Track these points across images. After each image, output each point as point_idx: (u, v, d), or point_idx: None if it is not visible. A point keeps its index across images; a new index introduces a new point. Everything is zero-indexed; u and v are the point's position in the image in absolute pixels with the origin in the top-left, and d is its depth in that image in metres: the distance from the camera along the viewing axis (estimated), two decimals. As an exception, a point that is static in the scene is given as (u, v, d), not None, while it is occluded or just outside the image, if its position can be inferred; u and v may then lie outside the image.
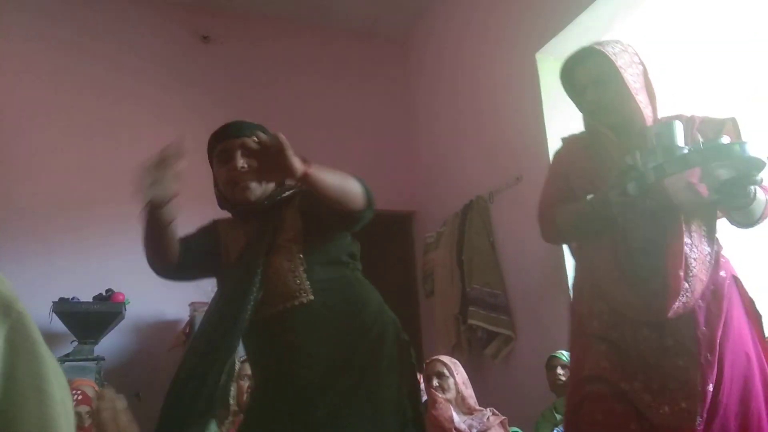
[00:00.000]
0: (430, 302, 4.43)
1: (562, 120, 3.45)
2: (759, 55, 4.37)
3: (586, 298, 1.55)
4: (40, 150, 4.11)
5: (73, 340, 3.60)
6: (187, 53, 4.76)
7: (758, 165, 1.31)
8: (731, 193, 1.37)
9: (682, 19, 4.19)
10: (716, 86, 4.24)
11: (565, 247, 3.20)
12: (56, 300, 3.59)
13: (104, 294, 3.74)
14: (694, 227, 1.49)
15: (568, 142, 1.78)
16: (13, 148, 4.03)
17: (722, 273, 1.51)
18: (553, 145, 3.38)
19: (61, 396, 0.57)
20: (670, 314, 1.37)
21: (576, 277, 1.66)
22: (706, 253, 1.49)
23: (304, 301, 1.46)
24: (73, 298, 3.63)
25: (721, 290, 1.47)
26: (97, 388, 2.81)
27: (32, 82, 4.21)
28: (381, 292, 1.63)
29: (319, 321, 1.46)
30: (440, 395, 2.52)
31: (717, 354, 1.37)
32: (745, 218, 1.53)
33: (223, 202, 1.67)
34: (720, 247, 1.57)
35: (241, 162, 1.56)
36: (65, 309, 3.57)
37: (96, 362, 3.49)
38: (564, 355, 2.86)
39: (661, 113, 1.64)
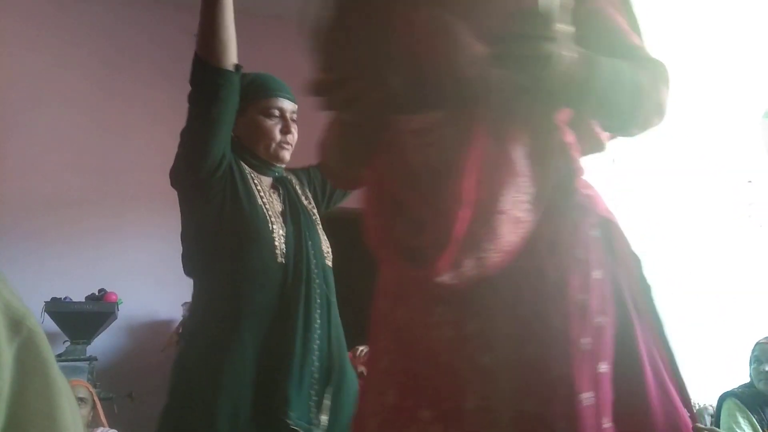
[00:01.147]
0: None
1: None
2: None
3: None
4: (32, 149, 4.08)
5: (66, 341, 3.58)
6: (180, 52, 4.73)
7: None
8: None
9: (677, 17, 4.20)
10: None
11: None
12: (48, 300, 3.57)
13: (97, 294, 3.72)
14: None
15: None
16: (4, 147, 4.01)
17: None
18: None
19: (73, 422, 0.52)
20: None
21: None
22: None
23: None
24: (65, 298, 3.62)
25: None
26: (90, 388, 2.80)
27: (24, 81, 4.19)
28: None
29: None
30: None
31: None
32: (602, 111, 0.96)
33: (240, 149, 1.62)
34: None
35: (293, 127, 1.65)
36: (57, 309, 3.56)
37: (88, 362, 3.47)
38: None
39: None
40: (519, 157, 0.84)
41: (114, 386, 3.53)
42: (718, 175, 3.89)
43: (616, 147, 3.37)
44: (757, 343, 2.41)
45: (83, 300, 3.68)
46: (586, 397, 0.77)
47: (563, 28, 0.78)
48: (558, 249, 0.86)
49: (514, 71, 0.80)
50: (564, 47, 0.79)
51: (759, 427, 2.23)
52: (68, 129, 4.24)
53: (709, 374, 3.24)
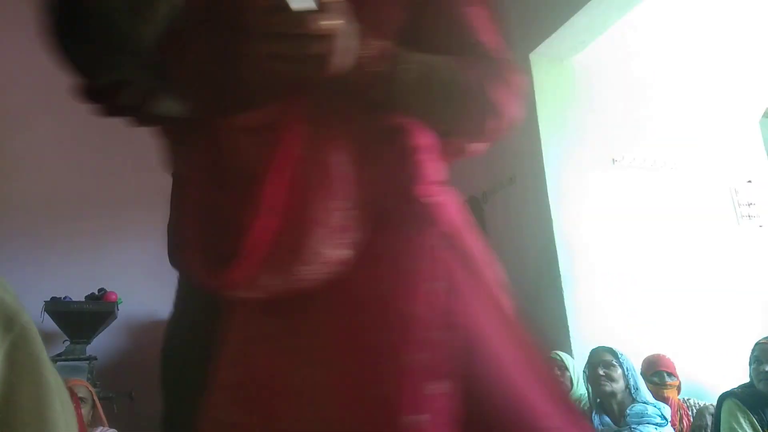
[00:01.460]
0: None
1: (555, 120, 3.46)
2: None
3: None
4: (33, 148, 4.08)
5: (65, 340, 3.58)
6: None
7: None
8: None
9: (676, 18, 4.20)
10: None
11: (559, 248, 3.21)
12: (48, 299, 3.57)
13: (96, 293, 3.72)
14: None
15: None
16: (4, 146, 4.01)
17: None
18: (547, 145, 3.39)
19: (65, 422, 0.50)
20: None
21: None
22: None
23: None
24: (65, 298, 3.62)
25: None
26: (90, 387, 2.80)
27: (24, 81, 4.19)
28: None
29: None
30: None
31: None
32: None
33: None
34: None
35: None
36: (57, 308, 3.55)
37: (88, 362, 3.47)
38: (559, 355, 2.87)
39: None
40: (339, 161, 0.75)
41: (114, 386, 3.53)
42: (718, 175, 3.89)
43: (617, 147, 3.34)
44: (757, 344, 2.40)
45: (83, 299, 3.67)
46: (413, 419, 0.67)
47: (334, 24, 0.68)
48: (388, 260, 0.76)
49: (292, 71, 0.71)
50: (348, 44, 0.71)
51: (759, 427, 2.23)
52: (68, 128, 4.23)
53: (708, 374, 3.25)
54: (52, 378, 0.51)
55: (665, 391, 2.58)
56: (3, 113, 4.05)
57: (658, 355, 2.79)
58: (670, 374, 2.80)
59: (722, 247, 3.70)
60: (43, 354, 0.52)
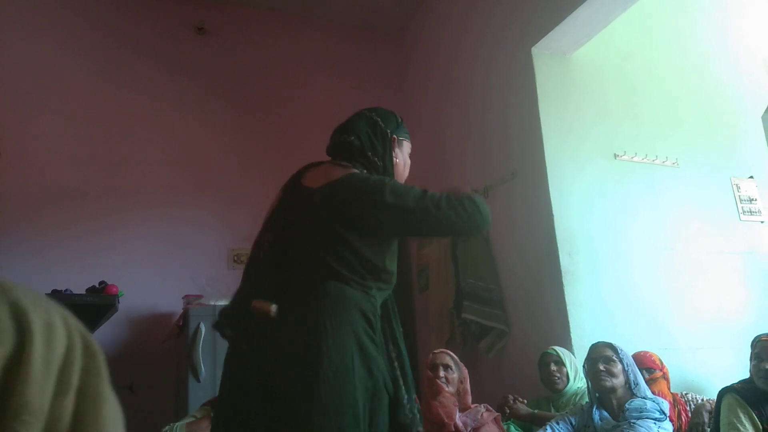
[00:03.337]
0: (425, 297, 4.44)
1: (557, 115, 3.45)
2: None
3: None
4: (35, 140, 4.08)
5: (66, 332, 3.58)
6: (183, 44, 4.74)
7: None
8: None
9: (678, 12, 4.19)
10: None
11: (560, 243, 3.21)
12: (49, 292, 3.57)
13: (97, 286, 3.72)
14: None
15: None
16: (6, 139, 4.01)
17: None
18: (549, 140, 3.38)
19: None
20: None
21: None
22: None
23: None
24: (66, 291, 3.61)
25: None
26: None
27: (25, 73, 4.18)
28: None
29: None
30: (445, 388, 2.45)
31: None
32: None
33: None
34: None
35: None
36: (58, 301, 3.54)
37: (89, 354, 3.47)
38: (556, 350, 2.87)
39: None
40: None
41: (114, 378, 3.51)
42: (721, 171, 3.89)
43: (618, 141, 3.37)
44: (759, 340, 2.40)
45: (84, 292, 3.67)
46: None
47: None
48: None
49: None
50: None
51: (759, 422, 2.23)
52: (70, 121, 4.23)
53: (707, 369, 3.25)
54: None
55: (650, 386, 2.58)
56: (7, 105, 4.05)
57: (635, 354, 2.79)
58: (649, 369, 2.80)
59: (724, 242, 3.69)
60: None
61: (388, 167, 1.70)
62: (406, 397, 1.56)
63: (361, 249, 1.53)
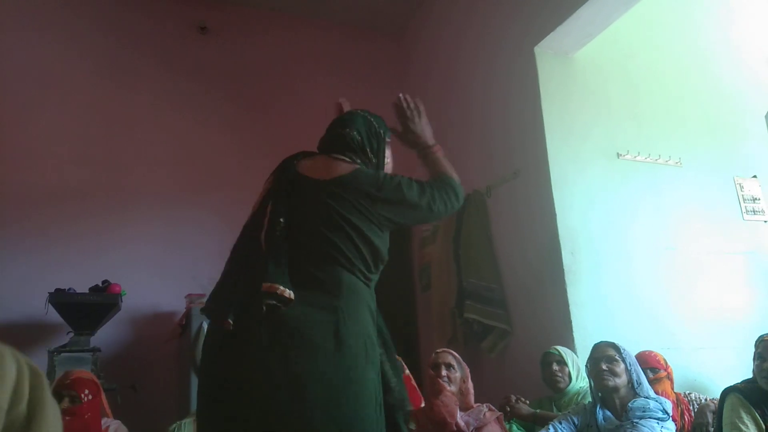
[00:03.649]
0: (427, 296, 4.44)
1: (560, 114, 3.45)
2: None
3: None
4: (37, 140, 4.09)
5: (69, 331, 3.59)
6: (185, 43, 4.74)
7: None
8: None
9: (681, 11, 4.18)
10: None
11: (562, 242, 3.21)
12: (52, 291, 3.58)
13: (100, 285, 3.73)
14: None
15: None
16: (9, 138, 4.02)
17: None
18: (551, 140, 3.38)
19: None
20: None
21: None
22: None
23: None
24: (69, 289, 3.63)
25: None
26: (95, 379, 2.80)
27: (28, 72, 4.19)
28: (377, 285, 1.65)
29: None
30: (447, 387, 2.45)
31: None
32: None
33: None
34: None
35: None
36: (61, 300, 3.56)
37: (92, 353, 3.48)
38: (558, 350, 2.86)
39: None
40: None
41: (117, 377, 3.54)
42: (724, 170, 3.88)
43: (621, 141, 3.35)
44: (762, 340, 2.39)
45: (87, 291, 3.68)
46: None
47: None
48: None
49: None
50: None
51: (762, 422, 2.23)
52: (72, 121, 4.24)
53: (710, 369, 3.24)
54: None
55: (653, 385, 2.57)
56: (9, 105, 4.06)
57: (639, 353, 2.79)
58: (653, 368, 2.79)
59: (727, 242, 3.69)
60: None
61: (381, 165, 1.79)
62: (394, 380, 1.60)
63: (373, 240, 1.57)
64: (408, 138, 1.87)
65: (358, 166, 1.68)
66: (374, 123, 1.82)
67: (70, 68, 4.32)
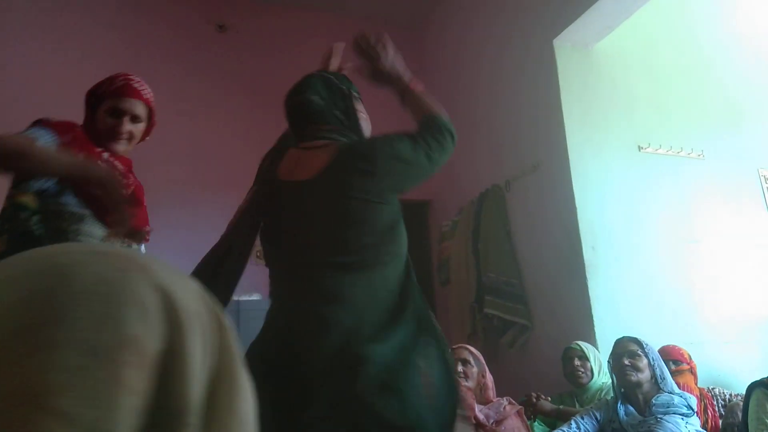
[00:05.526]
0: (446, 291, 4.43)
1: (580, 107, 3.42)
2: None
3: None
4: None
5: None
6: (203, 42, 4.76)
7: None
8: None
9: (701, 2, 4.12)
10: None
11: (583, 236, 3.18)
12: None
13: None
14: None
15: None
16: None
17: None
18: (572, 132, 3.35)
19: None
20: None
21: None
22: None
23: None
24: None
25: None
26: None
27: (47, 76, 4.24)
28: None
29: None
30: (463, 382, 2.46)
31: None
32: None
33: None
34: None
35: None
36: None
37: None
38: (579, 345, 2.84)
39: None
40: None
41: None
42: (747, 162, 3.82)
43: (642, 133, 3.31)
44: (787, 334, 2.36)
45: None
46: None
47: None
48: None
49: None
50: None
51: (788, 418, 2.20)
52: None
53: (735, 364, 3.20)
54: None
55: (675, 377, 2.55)
56: (29, 109, 4.11)
57: (663, 347, 2.76)
58: (676, 361, 2.77)
59: (751, 235, 3.63)
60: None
61: (354, 124, 1.55)
62: None
63: (379, 219, 1.44)
64: (379, 78, 1.61)
65: (337, 147, 1.45)
66: (334, 80, 1.58)
67: (87, 67, 4.35)
